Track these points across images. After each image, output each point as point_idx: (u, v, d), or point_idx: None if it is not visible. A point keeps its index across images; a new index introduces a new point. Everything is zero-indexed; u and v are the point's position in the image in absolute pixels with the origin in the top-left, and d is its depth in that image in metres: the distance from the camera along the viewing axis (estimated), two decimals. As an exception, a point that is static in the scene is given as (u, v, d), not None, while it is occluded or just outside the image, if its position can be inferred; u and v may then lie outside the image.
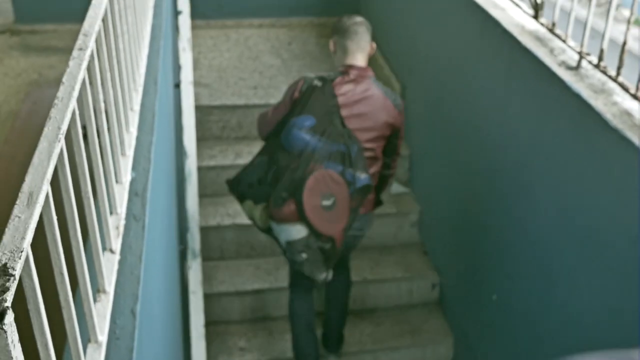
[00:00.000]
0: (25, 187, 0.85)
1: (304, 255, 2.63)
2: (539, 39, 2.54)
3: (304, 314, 3.10)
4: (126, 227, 1.51)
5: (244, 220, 3.69)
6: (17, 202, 0.82)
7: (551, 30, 2.51)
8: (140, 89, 2.02)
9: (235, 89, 4.09)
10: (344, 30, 2.73)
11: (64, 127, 1.00)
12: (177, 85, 3.35)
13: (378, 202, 2.90)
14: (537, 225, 2.51)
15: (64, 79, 1.13)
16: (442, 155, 3.52)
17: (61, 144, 0.98)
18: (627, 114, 2.03)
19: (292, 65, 4.36)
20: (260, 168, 2.73)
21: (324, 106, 2.62)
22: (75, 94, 1.09)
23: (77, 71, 1.16)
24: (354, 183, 2.60)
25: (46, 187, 0.86)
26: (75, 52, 1.23)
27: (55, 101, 1.07)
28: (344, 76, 2.67)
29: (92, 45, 1.28)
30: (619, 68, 2.13)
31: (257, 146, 3.89)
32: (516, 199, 2.68)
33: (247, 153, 3.87)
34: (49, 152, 0.92)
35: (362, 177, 2.62)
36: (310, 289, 3.08)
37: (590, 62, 2.27)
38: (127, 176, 1.62)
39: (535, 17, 2.62)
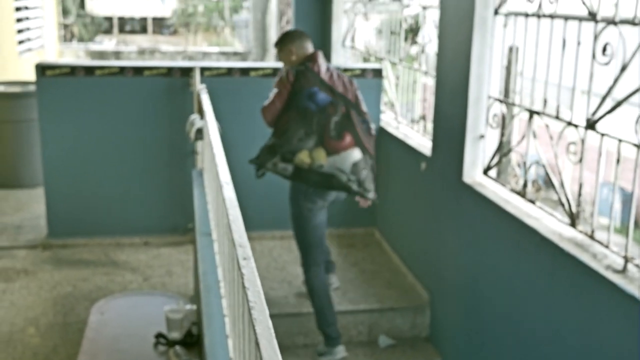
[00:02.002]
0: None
1: (365, 172, 3.56)
2: (579, 245, 2.74)
3: (324, 288, 3.79)
4: None
5: None
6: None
7: (591, 237, 2.72)
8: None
9: (266, 299, 4.19)
10: (299, 36, 3.82)
11: (270, 324, 1.12)
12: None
13: None
14: None
15: (247, 284, 1.27)
16: (479, 360, 3.57)
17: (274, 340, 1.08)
18: (685, 312, 2.17)
19: (319, 274, 4.50)
20: (299, 127, 3.54)
21: (315, 80, 3.63)
22: (262, 297, 1.22)
23: (253, 277, 1.30)
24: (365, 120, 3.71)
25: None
26: (242, 262, 1.38)
27: (252, 304, 1.19)
28: (312, 62, 3.69)
29: (250, 253, 1.43)
30: (668, 270, 2.32)
31: (290, 356, 3.95)
32: (572, 400, 2.71)
33: (281, 362, 3.88)
34: (275, 350, 1.03)
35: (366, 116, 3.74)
36: (321, 264, 3.81)
37: (636, 266, 2.46)
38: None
39: (573, 225, 2.85)
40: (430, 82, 5.08)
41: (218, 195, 2.33)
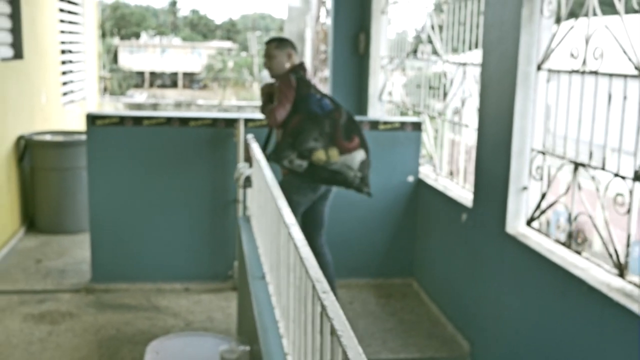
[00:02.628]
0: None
1: (368, 171, 4.08)
2: (628, 295, 2.77)
3: None
4: None
5: None
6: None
7: (640, 288, 2.75)
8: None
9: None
10: (293, 45, 4.37)
11: (361, 350, 1.18)
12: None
13: None
14: None
15: (332, 315, 1.34)
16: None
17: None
18: None
19: (358, 324, 4.53)
20: (313, 128, 3.98)
21: (311, 87, 4.17)
22: (348, 325, 1.29)
23: (335, 308, 1.37)
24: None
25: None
26: (322, 295, 1.45)
27: (340, 332, 1.26)
28: (304, 71, 4.26)
29: (328, 287, 1.50)
30: None
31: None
32: None
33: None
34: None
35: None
36: None
37: (688, 316, 2.48)
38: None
39: (621, 275, 2.87)
40: (459, 138, 5.19)
41: (276, 238, 2.41)
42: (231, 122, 5.02)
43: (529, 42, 3.55)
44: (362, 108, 6.73)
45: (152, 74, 48.57)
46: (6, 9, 6.11)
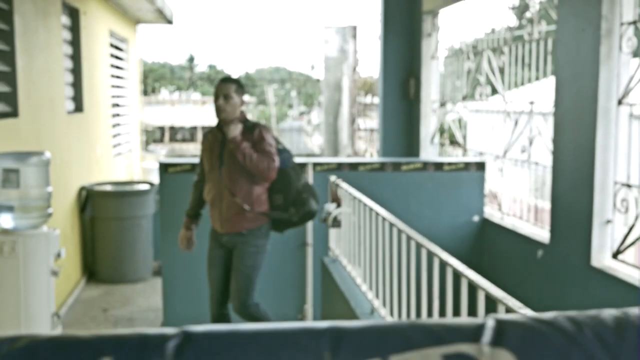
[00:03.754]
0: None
1: None
2: None
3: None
4: None
5: None
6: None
7: None
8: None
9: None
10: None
11: None
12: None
13: None
14: None
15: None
16: None
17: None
18: None
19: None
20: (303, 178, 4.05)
21: None
22: None
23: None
24: None
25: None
26: (521, 310, 1.51)
27: None
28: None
29: (521, 305, 1.55)
30: None
31: None
32: None
33: None
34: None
35: None
36: None
37: None
38: None
39: None
40: (494, 186, 5.26)
41: (398, 270, 2.47)
42: (300, 167, 5.11)
43: (608, 78, 3.64)
44: (413, 151, 6.83)
45: (172, 128, 49.27)
46: (69, 64, 6.32)
